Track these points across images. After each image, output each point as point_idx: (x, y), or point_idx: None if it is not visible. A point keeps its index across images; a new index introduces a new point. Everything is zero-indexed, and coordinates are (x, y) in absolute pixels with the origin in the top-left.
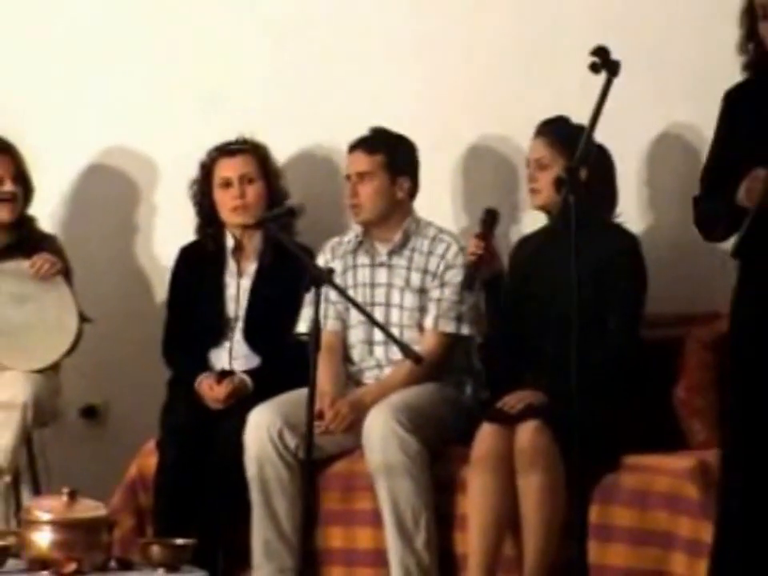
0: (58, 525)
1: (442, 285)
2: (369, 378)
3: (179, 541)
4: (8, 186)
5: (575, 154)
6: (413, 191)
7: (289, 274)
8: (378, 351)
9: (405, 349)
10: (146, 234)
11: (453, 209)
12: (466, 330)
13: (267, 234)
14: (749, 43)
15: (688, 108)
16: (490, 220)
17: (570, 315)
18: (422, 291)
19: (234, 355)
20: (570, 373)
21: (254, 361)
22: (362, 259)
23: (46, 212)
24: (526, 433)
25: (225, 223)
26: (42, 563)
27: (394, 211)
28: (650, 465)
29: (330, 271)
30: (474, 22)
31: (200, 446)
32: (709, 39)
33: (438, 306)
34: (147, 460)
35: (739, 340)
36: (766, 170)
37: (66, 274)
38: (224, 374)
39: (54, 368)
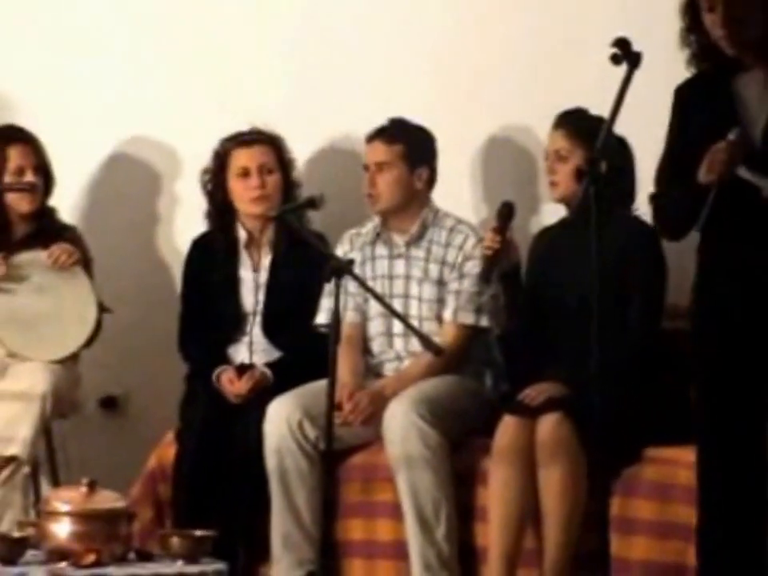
0: (77, 516)
1: (461, 276)
2: (389, 370)
3: (199, 532)
4: (29, 177)
5: (594, 145)
6: (431, 182)
7: (304, 265)
8: (398, 343)
9: (425, 341)
10: (167, 225)
11: (473, 200)
12: (484, 322)
13: (285, 225)
14: (690, 35)
15: None
16: (506, 213)
17: (589, 307)
18: (441, 283)
19: (253, 348)
20: (590, 365)
21: (274, 353)
22: (380, 250)
23: (68, 203)
24: (547, 425)
25: (238, 214)
26: (60, 554)
27: (412, 202)
28: (671, 457)
29: (351, 262)
30: (494, 10)
31: (219, 437)
32: None
33: (456, 298)
34: (167, 451)
35: (703, 328)
36: (722, 142)
37: (86, 264)
38: (243, 368)
39: (73, 359)
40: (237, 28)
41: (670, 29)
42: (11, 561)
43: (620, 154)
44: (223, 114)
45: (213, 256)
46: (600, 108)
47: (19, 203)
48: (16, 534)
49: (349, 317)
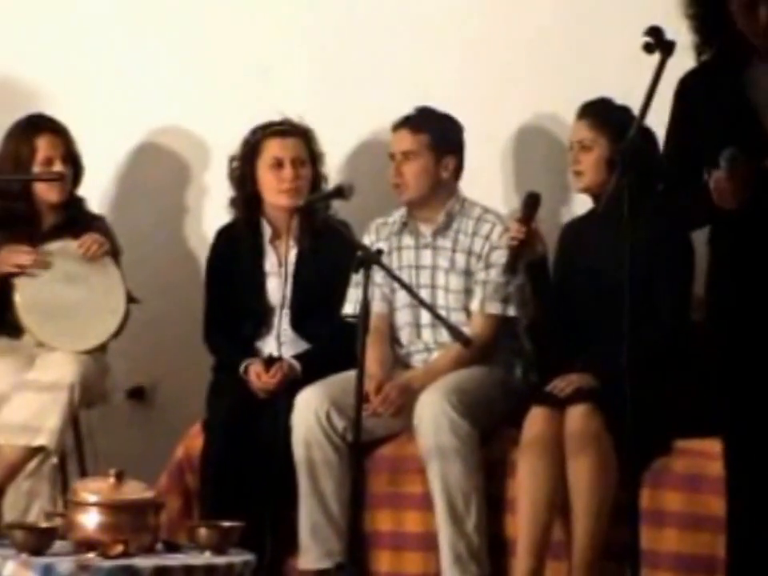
0: (104, 507)
1: (488, 267)
2: (417, 361)
3: (226, 523)
4: (57, 167)
5: (618, 135)
6: (458, 171)
7: (329, 256)
8: (426, 334)
9: (454, 331)
10: (196, 216)
11: (503, 189)
12: (512, 312)
13: (311, 216)
14: (701, 23)
15: None
16: (531, 204)
17: (618, 298)
18: (468, 273)
19: (281, 341)
20: (619, 356)
21: (301, 345)
22: (407, 240)
23: (97, 193)
24: (576, 416)
25: (263, 205)
26: (88, 545)
27: (439, 191)
28: (701, 449)
29: (379, 252)
30: None
31: (247, 428)
32: None
33: (483, 288)
34: (194, 442)
35: (717, 319)
36: (720, 171)
37: (115, 254)
38: (271, 360)
39: (101, 349)
40: (265, 18)
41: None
42: (39, 551)
43: (646, 144)
44: (252, 105)
45: (237, 248)
46: (629, 97)
47: (48, 193)
48: (43, 525)
49: (376, 307)
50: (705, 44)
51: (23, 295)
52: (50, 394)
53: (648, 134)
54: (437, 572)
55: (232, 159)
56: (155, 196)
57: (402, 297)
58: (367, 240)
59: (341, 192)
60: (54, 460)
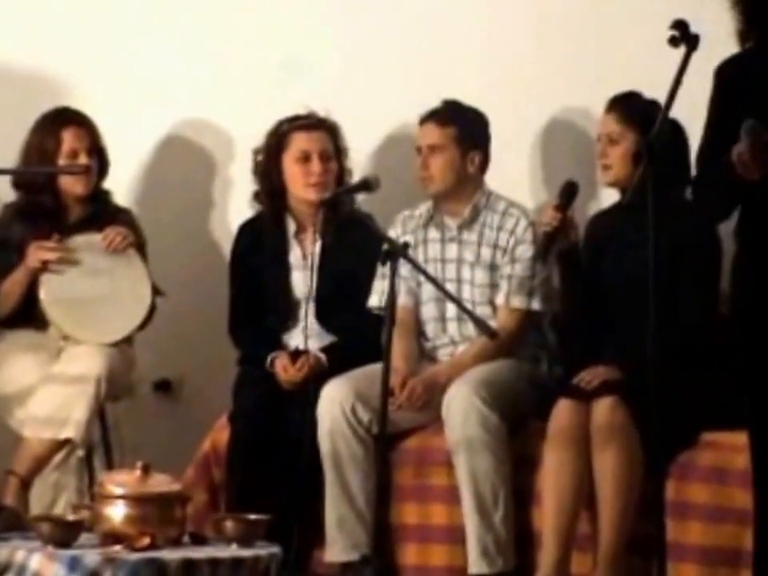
0: (131, 499)
1: (513, 261)
2: (443, 355)
3: (253, 516)
4: (82, 160)
5: (646, 129)
6: (484, 165)
7: (353, 249)
8: (452, 328)
9: (480, 324)
10: (222, 209)
11: (531, 183)
12: (536, 305)
13: (335, 209)
14: (740, 10)
15: None
16: (569, 192)
17: (644, 291)
18: (493, 267)
19: (308, 334)
20: (645, 349)
21: (327, 338)
22: (433, 234)
23: (122, 186)
24: (603, 409)
25: (288, 199)
26: (115, 538)
27: (465, 185)
28: (727, 442)
29: (406, 245)
30: None
31: (273, 420)
32: None
33: (509, 283)
34: (221, 434)
35: (743, 316)
36: (741, 144)
37: (140, 247)
38: (297, 353)
39: (127, 341)
40: (291, 12)
41: (723, 10)
42: (65, 544)
43: (674, 137)
44: (277, 99)
45: (261, 241)
46: (659, 91)
47: (73, 186)
48: (70, 517)
49: (402, 301)
50: (749, 31)
51: (48, 288)
52: (76, 386)
53: (676, 128)
54: (463, 564)
55: (256, 152)
56: (180, 189)
57: (427, 290)
58: (393, 233)
59: (367, 185)
60: (81, 453)
